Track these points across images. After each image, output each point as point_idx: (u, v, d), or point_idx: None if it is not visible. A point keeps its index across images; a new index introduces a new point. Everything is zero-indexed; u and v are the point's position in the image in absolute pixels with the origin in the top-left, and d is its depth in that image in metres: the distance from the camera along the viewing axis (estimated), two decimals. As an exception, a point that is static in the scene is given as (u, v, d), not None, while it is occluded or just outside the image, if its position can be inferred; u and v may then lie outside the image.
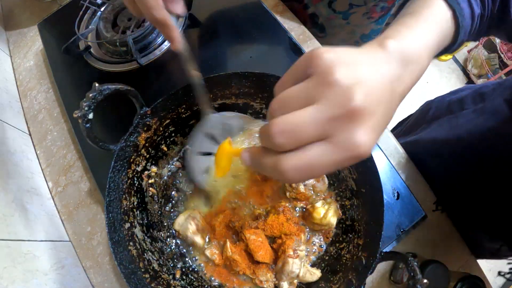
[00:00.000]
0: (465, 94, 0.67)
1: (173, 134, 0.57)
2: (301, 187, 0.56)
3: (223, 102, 0.57)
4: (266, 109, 0.58)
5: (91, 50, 0.74)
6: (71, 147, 0.68)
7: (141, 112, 0.49)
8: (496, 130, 0.54)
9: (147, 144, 0.53)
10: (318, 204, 0.54)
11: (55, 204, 0.64)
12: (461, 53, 2.12)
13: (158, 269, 0.50)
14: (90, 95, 0.41)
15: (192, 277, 0.53)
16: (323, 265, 0.53)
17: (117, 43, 0.67)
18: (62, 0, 0.84)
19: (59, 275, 0.53)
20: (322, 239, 0.55)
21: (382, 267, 0.58)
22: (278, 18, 0.74)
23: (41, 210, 0.60)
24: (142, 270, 0.47)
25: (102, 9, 0.73)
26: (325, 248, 0.55)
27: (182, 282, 0.51)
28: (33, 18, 0.83)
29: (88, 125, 0.42)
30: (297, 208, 0.57)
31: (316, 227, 0.54)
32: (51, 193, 0.65)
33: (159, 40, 0.72)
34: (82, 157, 0.65)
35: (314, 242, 0.55)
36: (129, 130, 0.49)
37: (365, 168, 0.48)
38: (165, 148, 0.57)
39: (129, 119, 0.50)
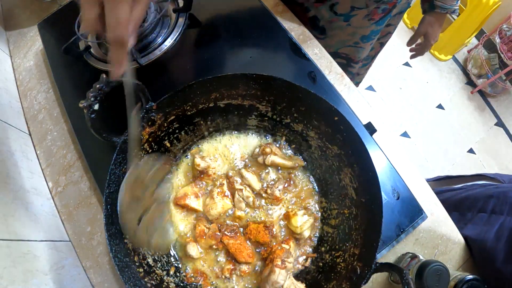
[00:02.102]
0: None
1: (177, 131, 0.57)
2: (276, 192, 0.57)
3: (229, 103, 0.57)
4: (271, 112, 0.58)
5: (91, 50, 0.73)
6: (71, 147, 0.68)
7: (147, 106, 0.49)
8: None
9: (150, 139, 0.53)
10: (300, 213, 0.55)
11: (55, 204, 0.64)
12: (461, 53, 2.12)
13: (152, 264, 0.50)
14: (97, 86, 0.42)
15: (186, 274, 0.53)
16: (317, 273, 0.53)
17: (117, 43, 0.67)
18: (62, 0, 0.84)
19: (59, 275, 0.53)
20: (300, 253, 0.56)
21: (382, 267, 0.58)
22: (278, 18, 0.74)
23: (41, 210, 0.60)
24: (137, 264, 0.47)
25: (102, 9, 0.73)
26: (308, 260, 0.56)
27: (176, 279, 0.51)
28: (33, 18, 0.83)
29: (93, 115, 0.43)
30: (279, 211, 0.58)
31: (290, 231, 0.56)
32: (51, 193, 0.65)
33: (159, 40, 0.72)
34: (82, 157, 0.65)
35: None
36: None
37: (366, 178, 0.48)
38: (168, 144, 0.57)
39: None
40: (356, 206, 0.51)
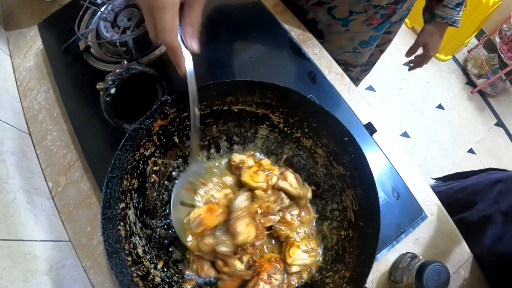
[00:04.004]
0: None
1: (187, 128, 0.57)
2: (288, 216, 0.55)
3: (243, 108, 0.57)
4: (283, 123, 0.57)
5: (91, 50, 0.74)
6: (71, 147, 0.68)
7: (162, 99, 0.49)
8: None
9: (160, 132, 0.53)
10: (302, 247, 0.52)
11: (55, 204, 0.64)
12: (461, 53, 2.12)
13: (141, 255, 0.50)
14: (117, 70, 0.42)
15: (173, 271, 0.52)
16: None
17: (117, 43, 0.67)
18: (62, 0, 0.84)
19: (59, 275, 0.53)
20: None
21: (382, 267, 0.58)
22: (278, 18, 0.74)
23: (41, 210, 0.60)
24: (126, 252, 0.47)
25: (102, 9, 0.73)
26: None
27: (162, 274, 0.51)
28: (33, 18, 0.83)
29: (108, 99, 0.43)
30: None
31: (282, 256, 0.53)
32: (51, 193, 0.65)
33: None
34: (82, 157, 0.65)
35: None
36: (146, 114, 0.49)
37: (368, 202, 0.48)
38: (176, 140, 0.57)
39: (148, 105, 0.50)
40: (354, 229, 0.51)
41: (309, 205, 0.58)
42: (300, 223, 0.56)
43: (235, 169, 0.58)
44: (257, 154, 0.62)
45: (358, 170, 0.50)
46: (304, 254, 0.52)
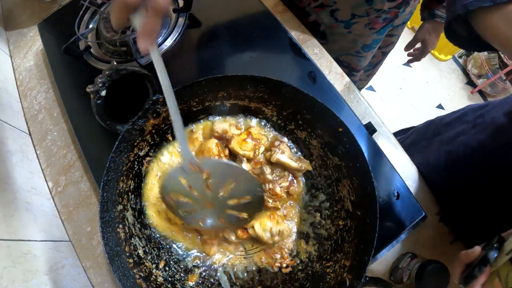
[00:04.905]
0: (465, 112, 0.72)
1: None
2: (278, 189, 0.55)
3: (235, 103, 0.57)
4: (276, 116, 0.57)
5: (91, 50, 0.74)
6: (71, 147, 0.68)
7: (154, 98, 0.49)
8: (495, 141, 0.57)
9: (153, 131, 0.53)
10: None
11: (55, 204, 0.64)
12: (461, 53, 2.12)
13: (142, 256, 0.50)
14: (107, 72, 0.42)
15: (175, 270, 0.53)
16: (305, 281, 0.52)
17: (117, 43, 0.67)
18: (62, 0, 0.84)
19: (59, 275, 0.53)
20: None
21: (382, 267, 0.58)
22: (278, 18, 0.74)
23: (41, 210, 0.60)
24: (127, 254, 0.47)
25: (102, 9, 0.73)
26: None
27: (165, 273, 0.51)
28: (33, 18, 0.83)
29: (99, 101, 0.43)
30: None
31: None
32: (51, 193, 0.65)
33: (159, 40, 0.72)
34: (82, 157, 0.65)
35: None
36: (138, 114, 0.49)
37: (364, 192, 0.48)
38: (170, 138, 0.57)
39: (140, 105, 0.50)
40: (352, 218, 0.51)
41: (300, 178, 0.58)
42: (289, 195, 0.56)
43: (217, 140, 0.56)
44: (241, 120, 0.60)
45: (353, 160, 0.50)
46: (272, 223, 0.53)
